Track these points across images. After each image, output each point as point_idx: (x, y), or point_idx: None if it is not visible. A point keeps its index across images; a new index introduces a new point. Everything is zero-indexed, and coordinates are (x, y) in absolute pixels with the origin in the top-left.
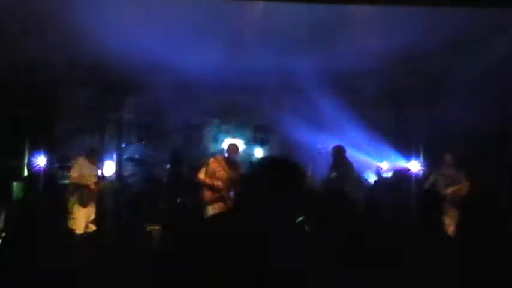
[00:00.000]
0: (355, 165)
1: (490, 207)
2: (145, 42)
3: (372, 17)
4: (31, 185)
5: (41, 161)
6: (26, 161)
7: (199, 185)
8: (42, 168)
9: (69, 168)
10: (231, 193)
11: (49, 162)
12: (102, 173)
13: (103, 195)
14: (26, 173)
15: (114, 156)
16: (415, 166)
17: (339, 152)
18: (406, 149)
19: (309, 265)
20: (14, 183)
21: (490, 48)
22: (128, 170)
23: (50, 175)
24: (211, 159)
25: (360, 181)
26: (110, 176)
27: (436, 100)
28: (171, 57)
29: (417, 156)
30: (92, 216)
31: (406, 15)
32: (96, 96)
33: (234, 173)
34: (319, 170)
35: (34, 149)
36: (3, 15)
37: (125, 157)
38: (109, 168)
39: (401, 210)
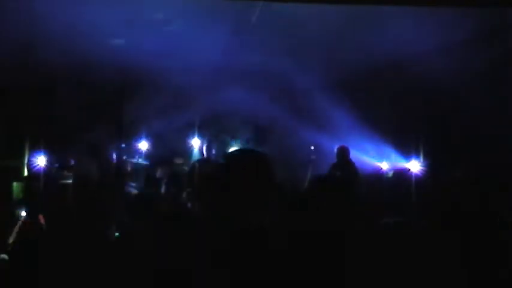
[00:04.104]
0: (357, 165)
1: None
2: (145, 42)
3: (373, 16)
4: (31, 185)
5: (41, 161)
6: (26, 161)
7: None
8: (42, 168)
9: (70, 168)
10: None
11: (49, 162)
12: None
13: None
14: (26, 173)
15: (114, 156)
16: (415, 166)
17: (343, 152)
18: (406, 149)
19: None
20: (14, 183)
21: (489, 48)
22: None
23: (50, 175)
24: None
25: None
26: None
27: (436, 100)
28: (169, 57)
29: (417, 156)
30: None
31: (407, 15)
32: (96, 96)
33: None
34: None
35: (34, 149)
36: (4, 15)
37: (124, 157)
38: None
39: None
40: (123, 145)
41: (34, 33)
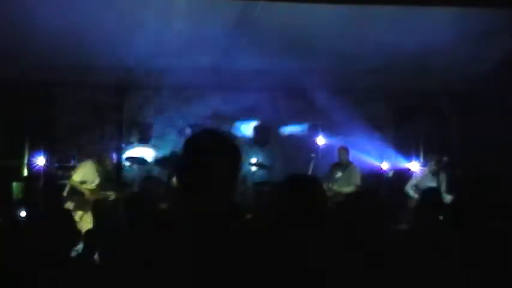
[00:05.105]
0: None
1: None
2: (144, 42)
3: (374, 15)
4: (31, 185)
5: (41, 161)
6: (26, 161)
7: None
8: (42, 168)
9: (70, 168)
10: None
11: (49, 162)
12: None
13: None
14: (26, 173)
15: (114, 156)
16: (415, 166)
17: (344, 152)
18: (406, 149)
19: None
20: (14, 183)
21: (488, 48)
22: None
23: (50, 175)
24: None
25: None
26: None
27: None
28: (169, 57)
29: (417, 156)
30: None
31: (408, 14)
32: (96, 96)
33: None
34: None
35: (34, 149)
36: (4, 16)
37: (125, 158)
38: None
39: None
40: (123, 145)
41: (35, 34)
